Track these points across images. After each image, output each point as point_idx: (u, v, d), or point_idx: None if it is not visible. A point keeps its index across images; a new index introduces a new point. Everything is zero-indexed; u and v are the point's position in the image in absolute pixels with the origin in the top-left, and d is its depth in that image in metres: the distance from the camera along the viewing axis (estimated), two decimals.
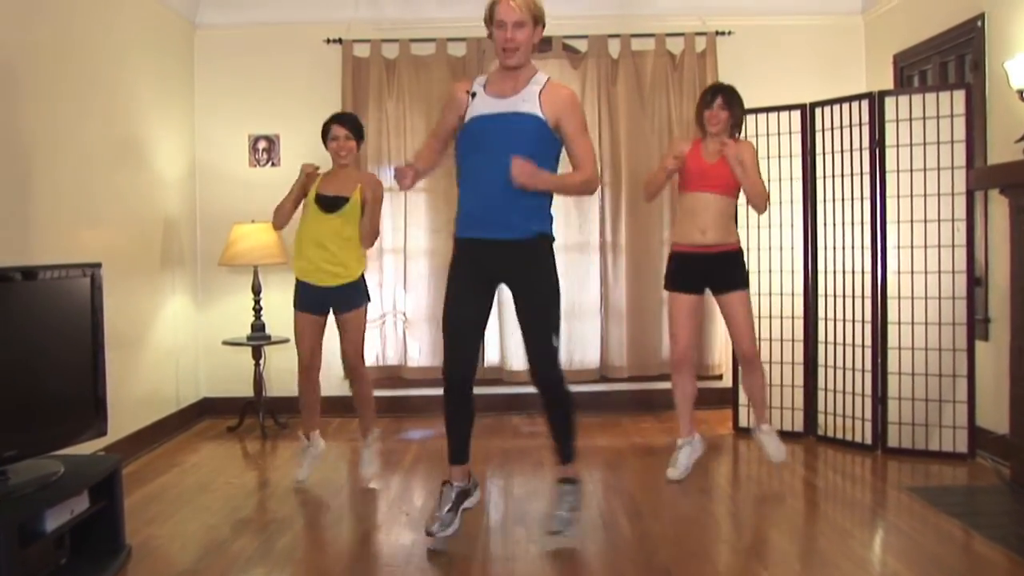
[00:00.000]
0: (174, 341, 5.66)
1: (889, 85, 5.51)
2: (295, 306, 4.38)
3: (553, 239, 3.48)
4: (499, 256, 3.37)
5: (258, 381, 5.67)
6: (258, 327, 5.69)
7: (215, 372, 6.07)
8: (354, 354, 4.37)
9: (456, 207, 3.51)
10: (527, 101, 3.33)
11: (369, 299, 4.45)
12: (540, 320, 3.41)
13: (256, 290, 5.70)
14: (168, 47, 5.72)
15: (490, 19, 3.32)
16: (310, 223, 4.29)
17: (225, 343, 5.72)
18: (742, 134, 4.47)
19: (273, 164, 6.08)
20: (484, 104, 3.37)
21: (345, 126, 4.30)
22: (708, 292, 4.37)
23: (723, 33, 6.00)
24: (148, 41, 5.37)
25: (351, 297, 4.30)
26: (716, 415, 5.64)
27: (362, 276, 4.36)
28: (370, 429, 4.52)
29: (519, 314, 3.45)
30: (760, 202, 4.31)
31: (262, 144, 6.10)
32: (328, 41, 5.98)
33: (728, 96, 4.24)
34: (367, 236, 4.29)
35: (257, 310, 5.70)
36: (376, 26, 6.00)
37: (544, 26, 3.37)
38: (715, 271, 4.27)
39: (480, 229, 3.38)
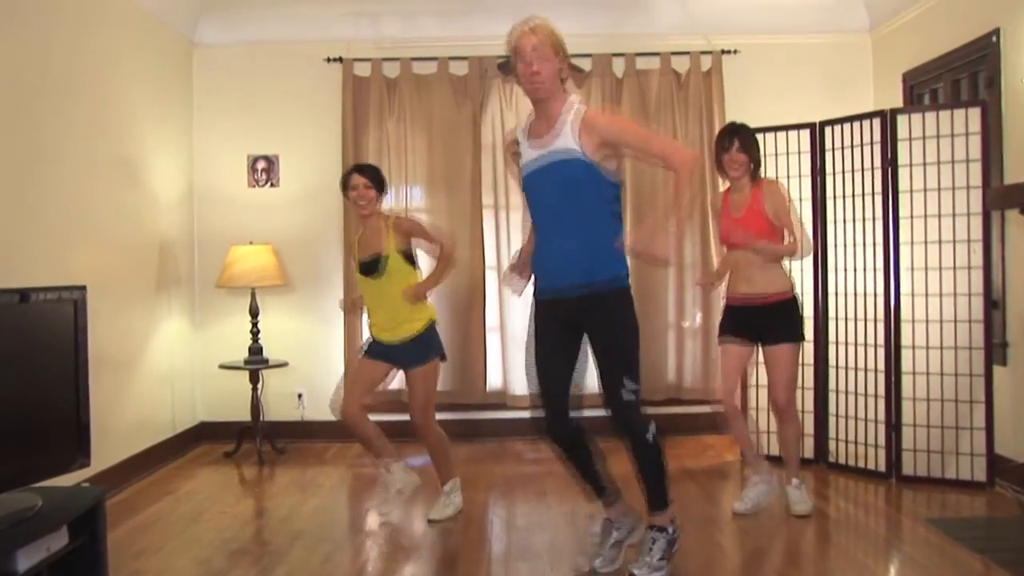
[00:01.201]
0: (170, 364, 5.55)
1: (898, 103, 5.41)
2: (362, 353, 4.30)
3: (628, 287, 3.33)
4: (570, 308, 3.26)
5: (255, 406, 5.56)
6: (256, 350, 5.58)
7: (213, 396, 5.95)
8: (421, 411, 4.14)
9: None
10: (560, 136, 3.18)
11: (442, 355, 4.23)
12: (612, 369, 3.26)
13: (254, 313, 5.59)
14: (166, 66, 5.65)
15: (515, 56, 3.19)
16: (363, 289, 4.27)
17: (222, 367, 5.60)
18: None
19: (272, 185, 6.00)
20: (527, 153, 3.28)
21: (364, 175, 4.19)
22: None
23: (729, 52, 5.93)
24: (146, 60, 5.31)
25: (417, 351, 4.12)
26: (723, 440, 5.52)
27: (430, 327, 4.17)
28: (449, 478, 4.26)
29: (596, 361, 3.31)
30: (803, 254, 4.29)
31: (261, 164, 6.01)
32: (328, 60, 5.92)
33: (744, 138, 4.11)
34: (444, 274, 4.18)
35: (255, 333, 5.59)
36: (377, 45, 5.94)
37: (567, 57, 3.23)
38: (767, 322, 4.12)
39: (554, 285, 3.28)
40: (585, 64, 5.93)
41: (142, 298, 5.23)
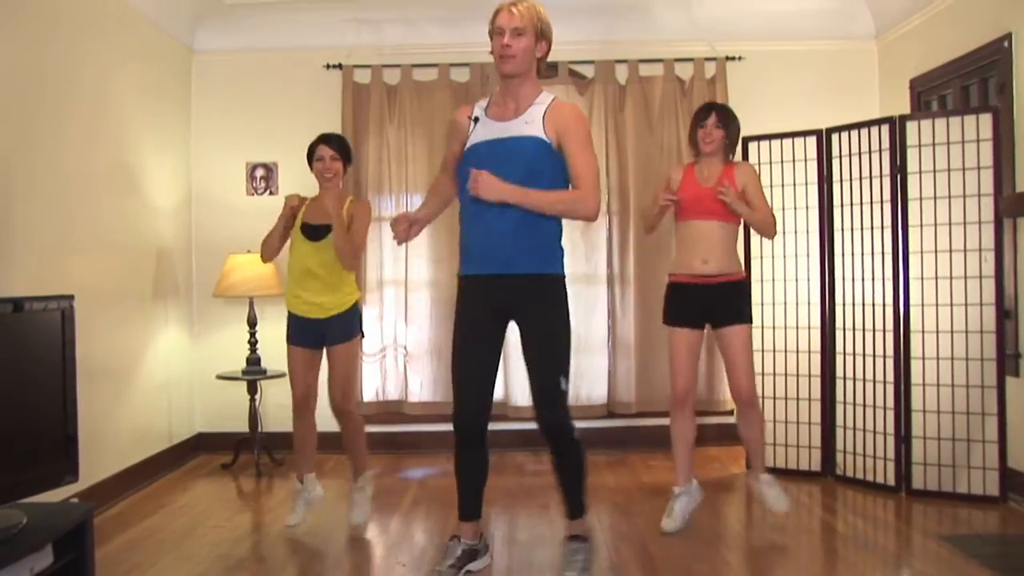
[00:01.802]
0: (167, 374, 5.47)
1: (905, 110, 5.33)
2: (288, 340, 4.18)
3: (564, 277, 3.26)
4: (505, 291, 3.17)
5: (253, 416, 5.48)
6: (254, 360, 5.50)
7: (210, 406, 5.87)
8: (342, 390, 4.09)
9: (459, 241, 3.32)
10: (531, 123, 3.14)
11: (363, 332, 4.27)
12: (546, 358, 3.18)
13: (252, 322, 5.52)
14: (165, 73, 5.59)
15: (492, 30, 3.17)
16: (298, 254, 4.11)
17: (220, 377, 5.52)
18: (735, 156, 4.20)
19: (271, 193, 5.92)
20: (486, 130, 3.20)
21: (331, 146, 4.11)
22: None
23: (733, 58, 5.87)
24: (144, 66, 5.24)
25: (343, 328, 4.09)
26: (728, 452, 5.45)
27: (355, 306, 4.15)
28: (363, 470, 4.26)
29: (525, 352, 3.22)
30: (769, 231, 4.07)
31: (260, 172, 5.94)
32: (328, 67, 5.85)
33: (722, 113, 4.04)
34: (345, 253, 3.97)
35: (253, 343, 5.51)
36: (377, 51, 5.88)
37: (550, 44, 3.19)
38: (717, 303, 3.97)
39: (484, 265, 3.19)
40: (587, 71, 5.87)
41: (139, 307, 5.15)
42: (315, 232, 4.05)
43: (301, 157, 5.81)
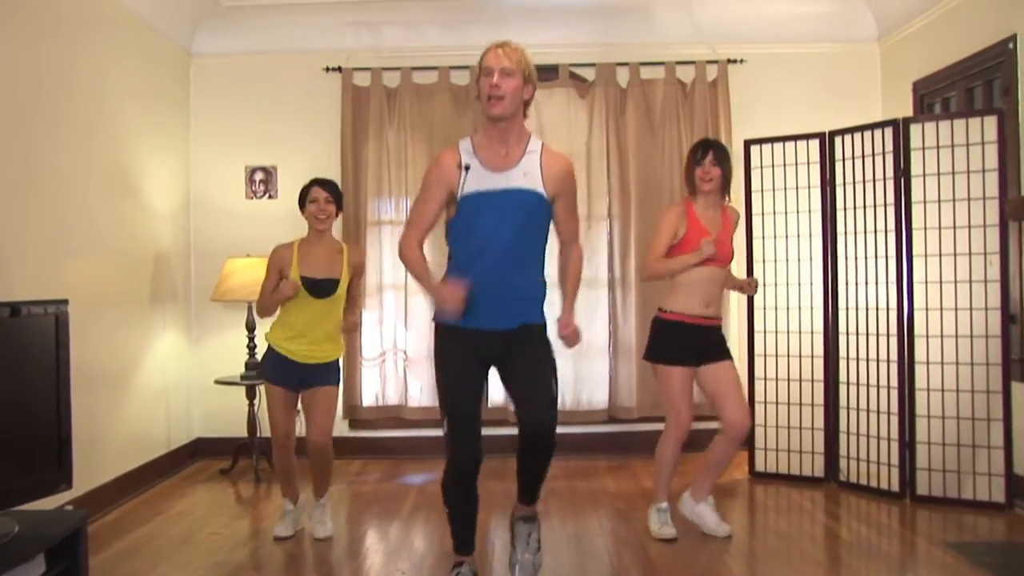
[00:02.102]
0: (164, 379, 5.43)
1: (907, 113, 5.29)
2: (268, 378, 4.05)
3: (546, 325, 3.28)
4: (501, 342, 3.15)
5: (252, 422, 5.43)
6: (252, 365, 5.45)
7: (210, 411, 5.83)
8: (323, 431, 3.99)
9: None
10: (528, 174, 3.10)
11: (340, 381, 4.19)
12: (539, 368, 3.17)
13: (250, 327, 5.47)
14: (163, 76, 5.55)
15: (479, 71, 3.09)
16: (302, 310, 3.99)
17: (218, 382, 5.48)
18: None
19: (270, 196, 5.89)
20: (481, 179, 3.09)
21: (326, 188, 4.06)
22: None
23: (735, 61, 5.83)
24: (142, 69, 5.21)
25: (329, 373, 4.05)
26: None
27: (339, 359, 4.15)
28: (326, 490, 4.20)
29: (513, 380, 3.20)
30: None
31: (259, 176, 5.91)
32: (327, 69, 5.82)
33: (719, 152, 3.99)
34: (355, 325, 4.11)
35: (251, 348, 5.46)
36: (377, 54, 5.84)
37: (535, 87, 3.14)
38: (708, 344, 3.99)
39: (484, 321, 3.11)
40: (588, 73, 5.84)
41: (137, 311, 5.11)
42: (320, 289, 3.98)
43: (300, 161, 5.84)
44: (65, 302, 2.97)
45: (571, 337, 3.25)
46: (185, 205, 5.81)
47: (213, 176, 5.88)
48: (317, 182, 4.11)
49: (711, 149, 3.97)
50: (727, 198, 4.06)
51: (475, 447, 3.21)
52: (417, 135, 5.78)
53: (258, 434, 5.42)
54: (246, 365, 5.45)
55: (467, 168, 3.09)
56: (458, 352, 3.18)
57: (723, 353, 4.01)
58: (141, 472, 5.02)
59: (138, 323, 5.12)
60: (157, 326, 5.36)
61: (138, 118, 5.10)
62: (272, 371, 4.02)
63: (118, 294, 4.87)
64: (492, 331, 3.13)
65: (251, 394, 5.42)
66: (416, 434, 5.78)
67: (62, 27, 4.27)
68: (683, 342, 3.96)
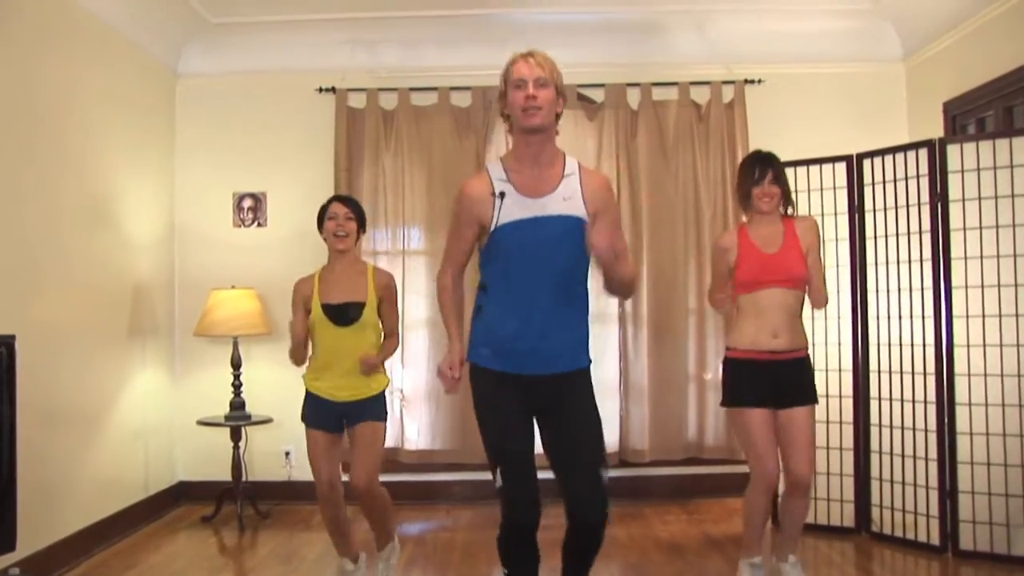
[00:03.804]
0: (143, 419, 5.09)
1: (936, 134, 4.99)
2: (306, 422, 3.73)
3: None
4: (541, 389, 2.82)
5: (236, 465, 5.08)
6: (237, 405, 5.12)
7: (193, 453, 5.50)
8: (368, 474, 3.65)
9: (474, 319, 2.92)
10: (570, 199, 2.79)
11: (387, 416, 3.85)
12: (589, 449, 2.83)
13: (236, 364, 5.13)
14: (147, 96, 5.29)
15: (505, 84, 2.79)
16: (327, 340, 3.69)
17: (200, 423, 5.13)
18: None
19: (259, 224, 5.60)
20: (519, 207, 2.79)
21: (346, 205, 3.77)
22: None
23: (752, 81, 5.57)
24: (125, 91, 4.95)
25: (373, 406, 3.70)
26: None
27: (383, 391, 3.77)
28: (389, 541, 3.86)
29: (558, 446, 2.86)
30: (821, 301, 3.71)
31: (248, 203, 5.62)
32: (321, 90, 5.56)
33: (778, 168, 3.64)
34: (373, 365, 3.66)
35: (237, 386, 5.12)
36: (373, 74, 5.60)
37: (566, 100, 2.85)
38: (786, 382, 3.58)
39: (523, 365, 2.81)
40: (597, 95, 5.55)
41: (113, 347, 4.79)
42: (342, 315, 3.67)
43: (291, 187, 5.55)
44: (12, 337, 2.63)
45: (602, 247, 2.73)
46: (169, 234, 5.51)
47: (199, 203, 5.60)
48: (337, 198, 3.87)
49: (769, 168, 3.60)
50: (792, 210, 3.71)
51: (531, 490, 2.81)
52: (415, 160, 5.49)
53: (244, 478, 5.07)
54: (231, 404, 5.11)
55: (502, 195, 2.79)
56: (500, 392, 2.85)
57: (803, 396, 3.59)
58: (115, 520, 4.67)
59: (113, 359, 4.79)
60: (136, 362, 5.02)
61: (120, 142, 4.84)
62: (309, 414, 3.71)
63: (93, 328, 4.57)
64: (534, 376, 2.80)
65: (236, 436, 5.08)
66: (413, 479, 5.41)
67: (35, 42, 4.00)
68: (753, 381, 3.57)
